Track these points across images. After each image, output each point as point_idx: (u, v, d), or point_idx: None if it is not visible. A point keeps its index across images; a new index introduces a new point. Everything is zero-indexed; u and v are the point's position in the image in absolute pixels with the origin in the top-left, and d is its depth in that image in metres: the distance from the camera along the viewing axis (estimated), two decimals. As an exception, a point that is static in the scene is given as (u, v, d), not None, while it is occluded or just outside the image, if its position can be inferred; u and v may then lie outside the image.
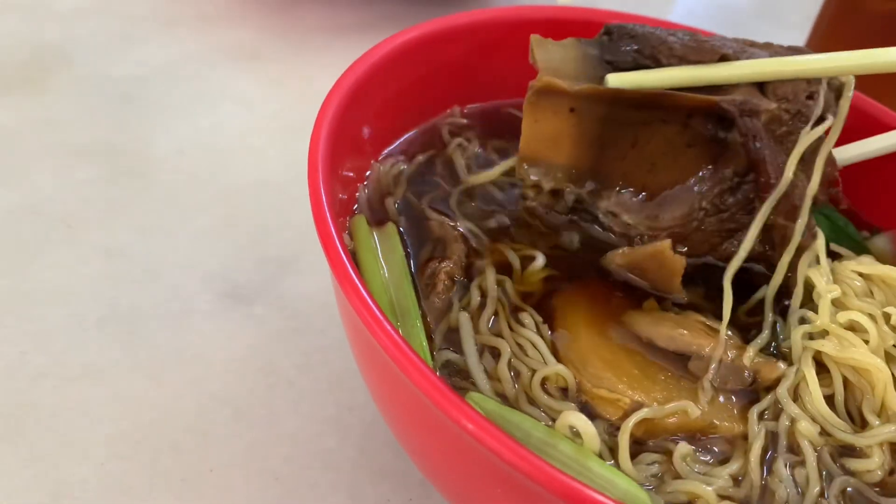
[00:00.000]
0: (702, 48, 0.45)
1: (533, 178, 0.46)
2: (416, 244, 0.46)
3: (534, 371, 0.40)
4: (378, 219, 0.47)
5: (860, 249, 0.50)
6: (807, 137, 0.43)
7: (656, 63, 0.45)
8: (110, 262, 0.57)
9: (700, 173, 0.45)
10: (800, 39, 0.79)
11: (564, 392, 0.40)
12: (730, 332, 0.42)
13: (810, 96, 0.44)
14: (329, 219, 0.36)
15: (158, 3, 0.87)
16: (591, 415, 0.39)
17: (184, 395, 0.50)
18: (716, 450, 0.40)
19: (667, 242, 0.43)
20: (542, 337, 0.42)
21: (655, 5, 1.07)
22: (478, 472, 0.34)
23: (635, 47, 0.46)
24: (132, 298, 0.54)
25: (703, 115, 0.44)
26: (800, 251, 0.44)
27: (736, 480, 0.38)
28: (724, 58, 0.45)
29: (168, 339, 0.53)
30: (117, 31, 0.81)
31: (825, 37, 0.77)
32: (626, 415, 0.38)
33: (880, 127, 0.52)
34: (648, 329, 0.42)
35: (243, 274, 0.57)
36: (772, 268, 0.45)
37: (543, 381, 0.40)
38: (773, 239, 0.44)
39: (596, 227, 0.47)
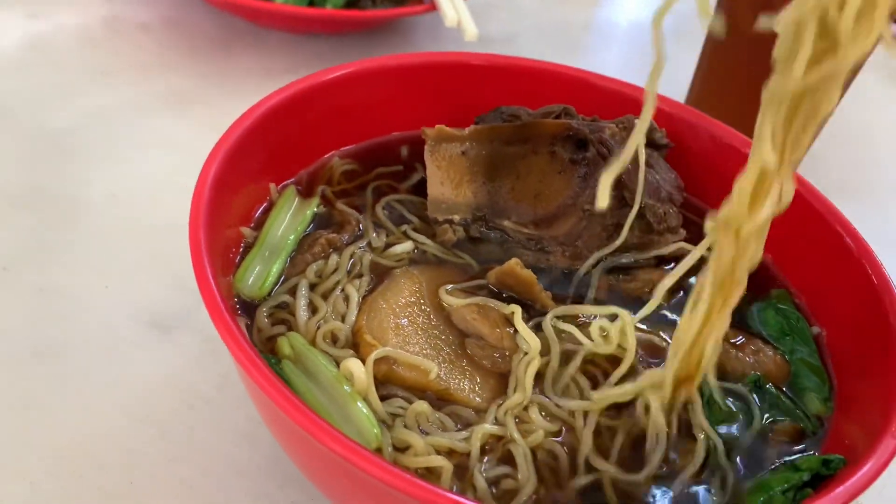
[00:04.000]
0: (544, 108, 0.59)
1: (443, 217, 0.55)
2: (322, 223, 0.55)
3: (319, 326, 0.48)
4: (307, 194, 0.56)
5: (809, 344, 0.52)
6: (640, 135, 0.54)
7: (517, 118, 0.57)
8: (44, 301, 0.62)
9: (575, 189, 0.54)
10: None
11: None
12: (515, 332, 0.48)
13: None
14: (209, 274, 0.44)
15: (94, 55, 0.92)
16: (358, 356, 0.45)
17: (111, 418, 0.55)
18: (458, 424, 0.44)
19: (514, 261, 0.50)
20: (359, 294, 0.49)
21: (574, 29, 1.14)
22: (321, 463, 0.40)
23: (501, 112, 0.57)
24: (64, 333, 0.60)
25: (562, 142, 0.54)
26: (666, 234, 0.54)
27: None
28: (566, 111, 0.58)
29: (97, 368, 0.58)
30: (54, 81, 0.86)
31: (710, 59, 0.85)
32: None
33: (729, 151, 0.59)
34: (452, 306, 0.49)
35: (166, 305, 0.62)
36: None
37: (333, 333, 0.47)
38: (648, 223, 0.53)
39: (507, 236, 0.55)
